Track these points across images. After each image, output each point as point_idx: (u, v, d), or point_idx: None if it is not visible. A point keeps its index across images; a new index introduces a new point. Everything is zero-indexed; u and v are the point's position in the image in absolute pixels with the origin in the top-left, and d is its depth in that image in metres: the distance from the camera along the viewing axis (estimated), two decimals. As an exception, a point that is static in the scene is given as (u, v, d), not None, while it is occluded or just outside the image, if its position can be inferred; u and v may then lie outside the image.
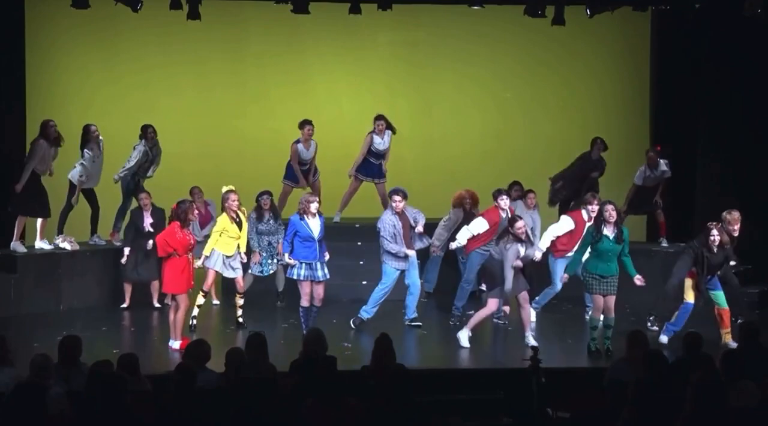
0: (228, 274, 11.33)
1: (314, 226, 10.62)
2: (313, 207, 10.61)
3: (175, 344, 10.28)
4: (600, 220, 10.29)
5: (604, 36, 15.03)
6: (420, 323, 11.44)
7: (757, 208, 12.69)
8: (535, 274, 12.14)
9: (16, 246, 12.18)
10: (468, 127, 15.51)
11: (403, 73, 15.46)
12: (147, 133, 12.79)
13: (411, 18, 14.90)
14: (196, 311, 11.22)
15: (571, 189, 13.21)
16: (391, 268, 11.24)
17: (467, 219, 12.18)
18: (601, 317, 10.26)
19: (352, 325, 11.33)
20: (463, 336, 10.49)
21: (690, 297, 10.37)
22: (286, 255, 10.68)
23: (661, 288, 11.55)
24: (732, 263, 10.75)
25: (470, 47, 15.32)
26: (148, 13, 13.06)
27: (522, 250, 10.31)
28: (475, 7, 13.36)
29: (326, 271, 10.75)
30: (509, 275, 10.24)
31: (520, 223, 10.34)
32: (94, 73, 14.62)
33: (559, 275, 11.49)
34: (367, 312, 11.38)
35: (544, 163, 14.15)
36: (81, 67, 14.56)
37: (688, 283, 10.38)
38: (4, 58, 12.88)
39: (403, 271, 11.30)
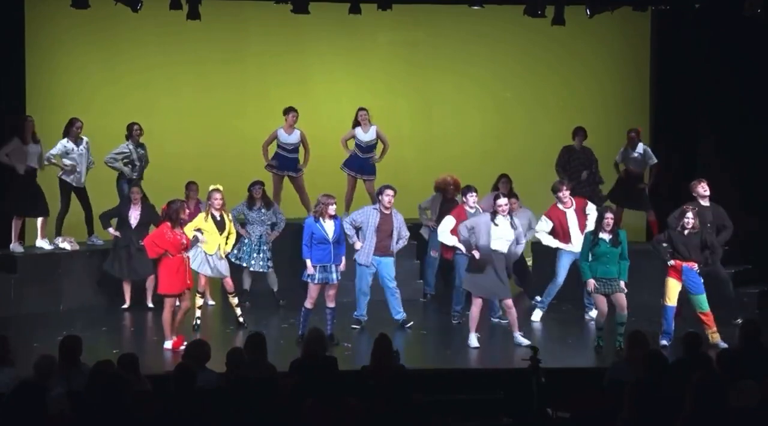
0: (211, 274, 11.31)
1: (329, 228, 10.58)
2: (331, 209, 10.56)
3: (168, 344, 10.30)
4: (598, 226, 10.41)
5: (604, 36, 15.02)
6: (411, 323, 11.40)
7: (757, 208, 12.70)
8: (536, 268, 12.16)
9: (15, 247, 12.18)
10: (468, 127, 15.51)
11: (403, 73, 15.46)
12: (132, 131, 12.79)
13: (411, 18, 14.89)
14: (198, 313, 11.23)
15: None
16: (360, 268, 11.28)
17: (446, 204, 12.24)
18: (622, 315, 10.29)
19: (354, 327, 11.35)
20: (472, 339, 10.51)
21: (670, 300, 10.38)
22: (308, 261, 10.59)
23: (660, 287, 11.57)
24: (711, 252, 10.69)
25: (470, 47, 15.32)
26: (148, 13, 13.05)
27: (497, 223, 10.35)
28: (475, 7, 13.35)
29: (339, 272, 10.72)
30: (463, 231, 10.49)
31: (502, 200, 10.45)
32: (94, 73, 14.62)
33: (563, 269, 11.68)
34: (359, 314, 11.40)
35: (544, 163, 14.14)
36: (81, 67, 14.55)
37: (668, 285, 10.38)
38: (4, 58, 12.88)
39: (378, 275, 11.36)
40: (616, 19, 13.71)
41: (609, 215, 10.40)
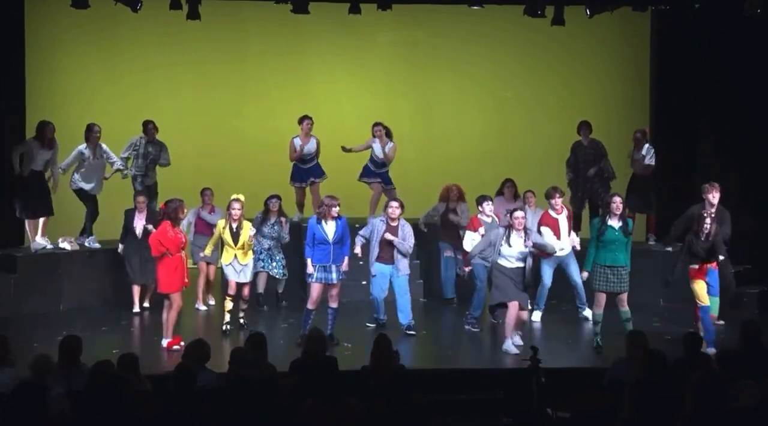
0: (241, 279, 11.28)
1: (329, 229, 10.56)
2: (335, 211, 10.54)
3: (164, 342, 10.32)
4: (606, 211, 10.35)
5: (604, 36, 15.04)
6: (414, 332, 11.26)
7: (757, 208, 12.70)
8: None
9: (40, 241, 12.18)
10: (468, 127, 15.52)
11: (403, 73, 15.47)
12: (147, 128, 12.80)
13: (411, 18, 14.90)
14: (227, 317, 11.18)
15: (584, 190, 13.24)
16: (375, 271, 11.25)
17: (447, 213, 12.32)
18: (625, 310, 10.27)
19: (369, 325, 11.39)
20: (509, 345, 10.35)
21: (703, 301, 10.34)
22: (309, 261, 10.60)
23: (661, 288, 11.58)
24: (721, 257, 10.65)
25: (470, 47, 15.33)
26: (148, 13, 13.05)
27: (511, 244, 10.30)
28: (475, 7, 13.33)
29: (341, 272, 10.70)
30: (477, 244, 10.53)
31: (518, 213, 10.41)
32: (94, 73, 14.63)
33: (547, 273, 11.65)
34: (377, 316, 11.42)
35: (544, 163, 14.16)
36: (81, 67, 14.56)
37: (696, 287, 10.35)
38: (4, 58, 12.88)
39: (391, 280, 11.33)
40: (616, 19, 13.70)
41: (617, 199, 10.30)
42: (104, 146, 12.48)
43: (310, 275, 10.61)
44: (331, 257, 10.58)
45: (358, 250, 11.26)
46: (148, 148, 12.83)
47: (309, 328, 9.01)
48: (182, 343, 9.91)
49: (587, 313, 11.66)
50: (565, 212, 11.73)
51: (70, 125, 12.80)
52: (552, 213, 11.65)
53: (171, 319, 10.37)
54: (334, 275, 10.62)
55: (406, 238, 11.18)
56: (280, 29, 14.76)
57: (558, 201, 11.64)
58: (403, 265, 11.17)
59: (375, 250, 11.20)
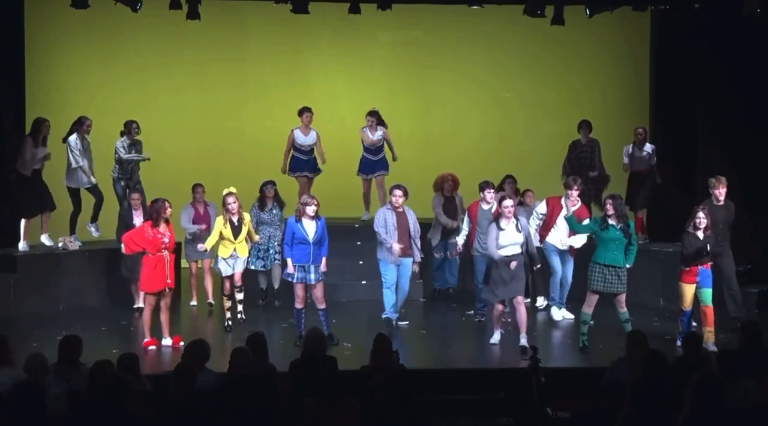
0: (228, 272, 11.30)
1: (309, 229, 10.51)
2: (310, 210, 10.46)
3: (145, 341, 10.44)
4: (605, 214, 10.35)
5: (604, 36, 15.05)
6: (404, 322, 11.36)
7: (757, 208, 12.69)
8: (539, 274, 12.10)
9: (23, 246, 12.19)
10: (468, 127, 15.53)
11: (403, 73, 15.48)
12: (131, 128, 12.70)
13: (411, 18, 14.91)
14: (228, 314, 11.24)
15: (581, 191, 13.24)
16: (385, 265, 11.17)
17: (446, 204, 12.25)
18: (623, 312, 10.24)
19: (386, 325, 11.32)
20: (495, 337, 10.53)
21: (687, 305, 10.32)
22: (289, 260, 10.59)
23: (661, 288, 11.56)
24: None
25: (470, 47, 15.34)
26: (148, 13, 13.07)
27: (503, 228, 10.32)
28: (475, 7, 13.37)
29: (319, 273, 10.59)
30: (492, 247, 10.32)
31: (507, 202, 10.42)
32: (94, 73, 14.64)
33: (555, 260, 11.64)
34: (388, 314, 11.25)
35: (544, 162, 14.15)
36: (80, 67, 14.57)
37: (683, 290, 10.32)
38: (4, 58, 12.88)
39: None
40: (616, 19, 13.72)
41: (609, 201, 10.28)
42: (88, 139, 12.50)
43: (290, 275, 10.59)
44: (310, 257, 10.50)
45: (396, 246, 10.97)
46: (131, 151, 12.78)
47: (308, 328, 8.99)
48: (182, 343, 9.93)
49: (555, 312, 11.74)
50: (577, 207, 11.57)
51: (70, 125, 12.76)
52: (563, 201, 11.61)
53: (145, 321, 10.41)
54: (312, 276, 10.54)
55: (414, 224, 11.19)
56: (280, 29, 14.77)
57: (574, 193, 11.52)
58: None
59: (394, 239, 11.03)
